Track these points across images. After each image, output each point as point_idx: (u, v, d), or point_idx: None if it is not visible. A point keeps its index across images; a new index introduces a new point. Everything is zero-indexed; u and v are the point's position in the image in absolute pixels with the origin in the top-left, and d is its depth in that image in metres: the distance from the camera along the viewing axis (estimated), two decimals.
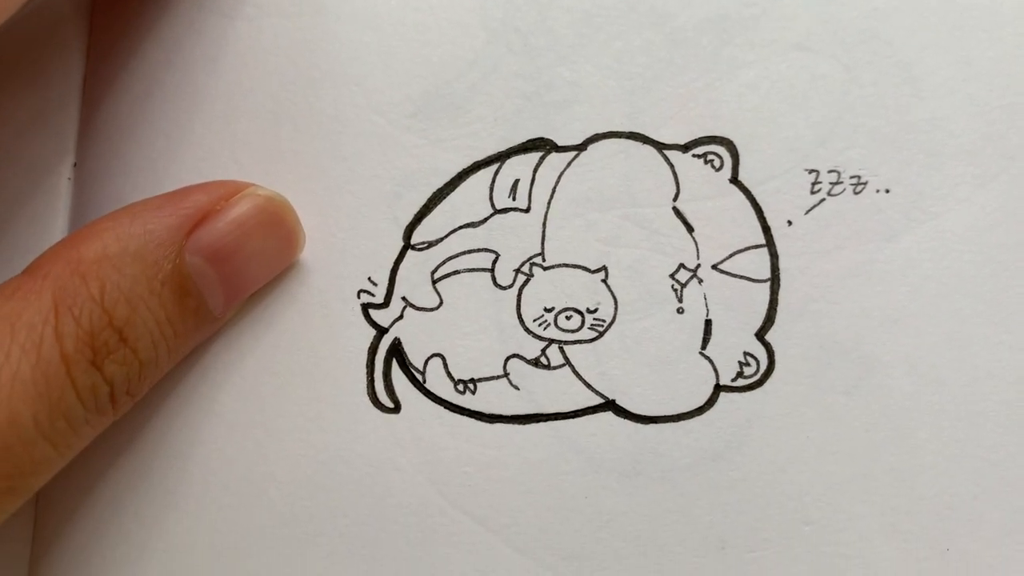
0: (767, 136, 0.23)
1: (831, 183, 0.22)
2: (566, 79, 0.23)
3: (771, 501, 0.22)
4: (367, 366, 0.23)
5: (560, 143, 0.23)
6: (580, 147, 0.23)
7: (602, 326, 0.22)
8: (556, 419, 0.22)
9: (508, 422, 0.22)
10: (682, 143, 0.23)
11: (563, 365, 0.22)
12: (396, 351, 0.23)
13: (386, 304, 0.23)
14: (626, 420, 0.22)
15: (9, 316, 0.19)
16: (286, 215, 0.22)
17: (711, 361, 0.22)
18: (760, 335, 0.22)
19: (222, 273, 0.21)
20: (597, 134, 0.23)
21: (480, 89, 0.23)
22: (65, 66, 0.25)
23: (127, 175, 0.24)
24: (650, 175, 0.23)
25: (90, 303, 0.20)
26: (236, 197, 0.22)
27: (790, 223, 0.22)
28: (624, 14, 0.23)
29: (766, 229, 0.22)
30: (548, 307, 0.22)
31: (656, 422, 0.22)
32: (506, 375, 0.22)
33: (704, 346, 0.22)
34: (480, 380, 0.22)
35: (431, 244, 0.23)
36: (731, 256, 0.22)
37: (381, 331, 0.23)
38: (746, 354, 0.22)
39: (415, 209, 0.23)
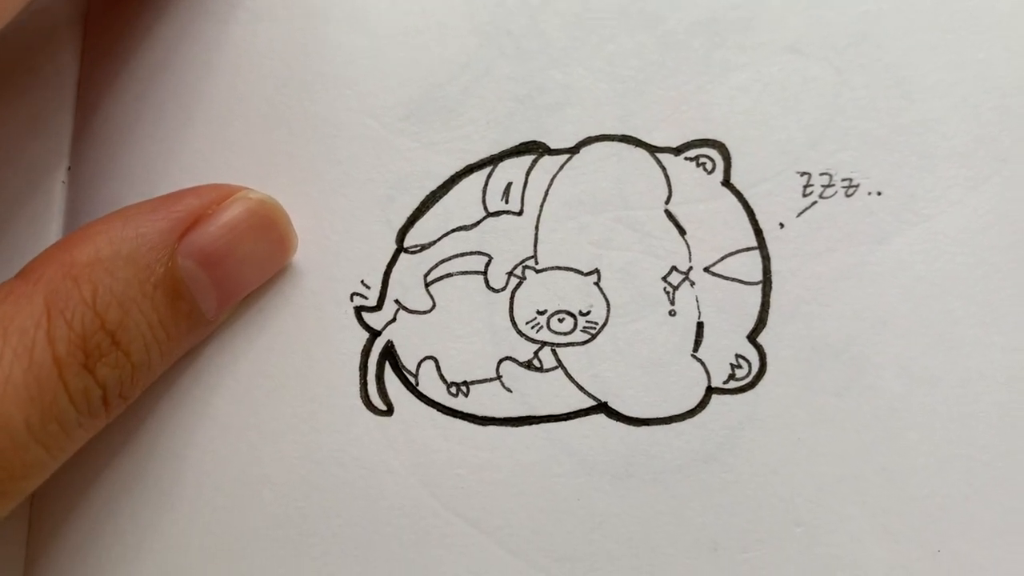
0: (759, 139, 0.23)
1: (823, 186, 0.22)
2: (558, 82, 0.23)
3: (763, 502, 0.22)
4: (360, 369, 0.23)
5: (552, 146, 0.23)
6: (572, 150, 0.23)
7: (594, 328, 0.22)
8: (549, 421, 0.22)
9: (501, 424, 0.22)
10: (674, 146, 0.23)
11: (556, 367, 0.22)
12: (389, 354, 0.23)
13: (379, 307, 0.23)
14: (618, 422, 0.22)
15: (1, 320, 0.19)
16: (278, 218, 0.22)
17: (703, 363, 0.22)
18: (752, 337, 0.22)
19: (214, 276, 0.21)
20: (589, 137, 0.23)
21: (472, 92, 0.23)
22: (59, 69, 0.25)
23: (121, 178, 0.24)
24: (642, 178, 0.23)
25: (82, 306, 0.20)
26: (228, 201, 0.22)
27: (782, 225, 0.22)
28: (616, 17, 0.23)
29: (758, 232, 0.22)
30: (541, 310, 0.23)
31: (648, 424, 0.22)
32: (499, 377, 0.22)
33: (696, 348, 0.22)
34: (473, 382, 0.22)
35: (424, 247, 0.23)
36: (723, 259, 0.22)
37: (374, 334, 0.23)
38: (738, 356, 0.22)
39: (408, 212, 0.23)
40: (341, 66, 0.23)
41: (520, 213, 0.23)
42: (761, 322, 0.22)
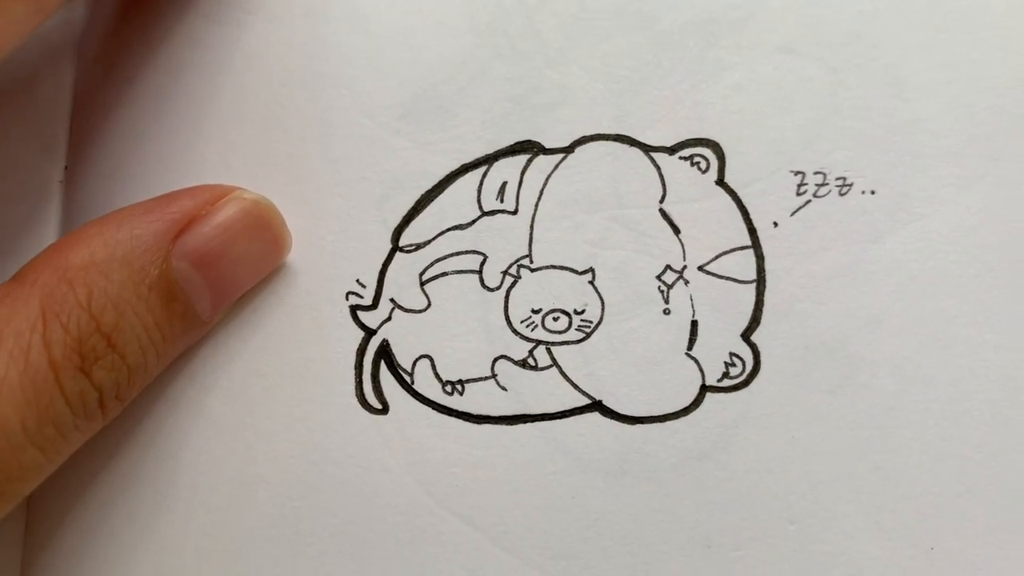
0: (753, 138, 0.23)
1: (817, 185, 0.23)
2: (553, 82, 0.23)
3: (757, 500, 0.22)
4: (355, 367, 0.23)
5: (547, 145, 0.23)
6: (567, 149, 0.23)
7: (589, 327, 0.22)
8: (543, 420, 0.22)
9: (496, 423, 0.22)
10: (668, 145, 0.23)
11: (550, 366, 0.23)
12: (384, 352, 0.23)
13: (374, 306, 0.23)
14: (613, 420, 0.22)
15: None
16: (272, 218, 0.22)
17: (697, 362, 0.22)
18: (746, 336, 0.22)
19: (209, 277, 0.21)
20: (584, 136, 0.23)
21: (468, 92, 0.23)
22: (56, 70, 0.25)
23: (118, 178, 0.24)
24: (637, 177, 0.23)
25: (78, 309, 0.20)
26: (222, 201, 0.22)
27: (776, 224, 0.23)
28: (611, 17, 0.23)
29: (752, 230, 0.23)
30: (535, 308, 0.23)
31: (642, 422, 0.22)
32: (494, 376, 0.23)
33: (690, 347, 0.22)
34: (468, 381, 0.23)
35: (419, 246, 0.23)
36: (717, 257, 0.23)
37: (369, 333, 0.23)
38: (732, 354, 0.22)
39: (403, 211, 0.23)
40: (338, 66, 0.23)
41: (515, 212, 0.23)
42: (755, 321, 0.22)
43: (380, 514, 0.22)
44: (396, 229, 0.23)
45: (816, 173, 0.23)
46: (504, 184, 0.23)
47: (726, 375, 0.22)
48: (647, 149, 0.23)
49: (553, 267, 0.23)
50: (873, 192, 0.22)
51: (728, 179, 0.23)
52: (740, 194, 0.23)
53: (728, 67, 0.23)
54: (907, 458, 0.22)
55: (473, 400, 0.22)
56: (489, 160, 0.23)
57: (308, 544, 0.22)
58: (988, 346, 0.22)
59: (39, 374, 0.19)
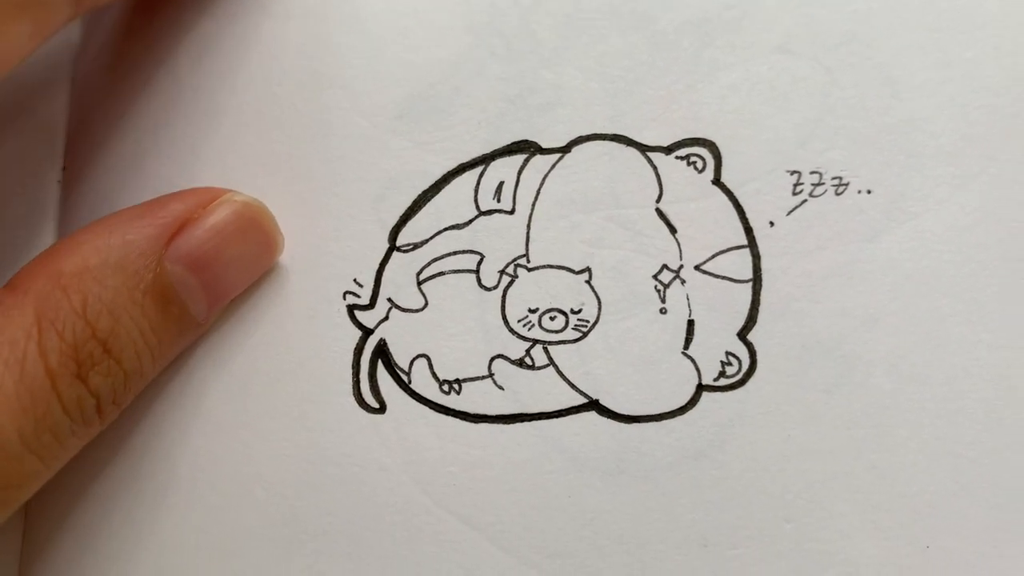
0: (749, 138, 0.23)
1: (813, 184, 0.23)
2: (549, 82, 0.23)
3: (753, 499, 0.22)
4: (353, 367, 0.23)
5: (544, 145, 0.23)
6: (564, 149, 0.23)
7: (586, 326, 0.23)
8: (540, 419, 0.22)
9: (493, 422, 0.22)
10: (665, 145, 0.23)
11: (547, 365, 0.23)
12: (381, 352, 0.23)
13: (371, 305, 0.23)
14: (609, 420, 0.22)
15: None
16: (264, 220, 0.23)
17: (693, 361, 0.22)
18: (742, 335, 0.22)
19: (203, 280, 0.22)
20: (581, 136, 0.23)
21: (464, 92, 0.23)
22: (54, 69, 0.25)
23: (115, 177, 0.24)
24: (633, 177, 0.23)
25: (73, 316, 0.20)
26: (213, 204, 0.22)
27: (772, 224, 0.23)
28: (606, 17, 0.23)
29: (748, 230, 0.23)
30: (532, 308, 0.23)
31: (639, 421, 0.22)
32: (491, 375, 0.23)
33: (687, 346, 0.22)
34: (465, 380, 0.23)
35: (416, 246, 0.23)
36: (713, 257, 0.23)
37: (367, 332, 0.23)
38: (728, 354, 0.22)
39: (400, 211, 0.23)
40: (335, 66, 0.24)
41: (512, 212, 0.23)
42: (751, 320, 0.22)
43: (377, 513, 0.22)
44: (393, 229, 0.23)
45: (812, 172, 0.23)
46: (501, 184, 0.23)
47: (722, 374, 0.22)
48: (643, 149, 0.23)
49: (550, 267, 0.23)
50: (869, 191, 0.22)
51: (724, 179, 0.23)
52: (736, 193, 0.23)
53: (724, 67, 0.23)
54: (903, 457, 0.22)
55: (470, 399, 0.23)
56: (486, 160, 0.23)
57: (305, 543, 0.22)
58: (983, 345, 0.22)
59: (36, 382, 0.19)
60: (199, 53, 0.24)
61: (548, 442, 0.22)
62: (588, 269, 0.23)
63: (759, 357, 0.22)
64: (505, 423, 0.22)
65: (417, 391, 0.23)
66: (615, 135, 0.23)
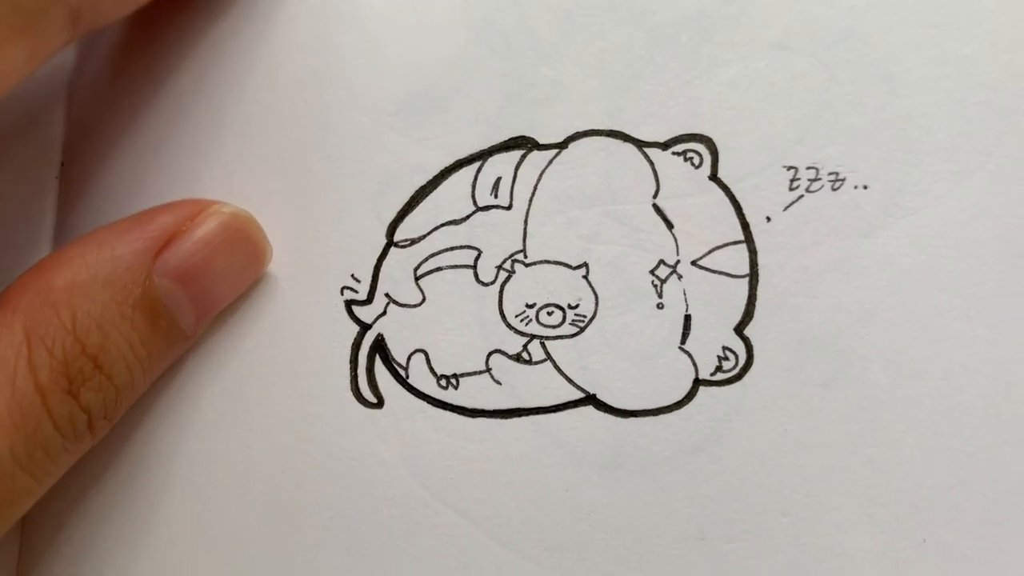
0: (746, 134, 0.23)
1: (809, 180, 0.23)
2: (547, 78, 0.23)
3: (749, 493, 0.22)
4: (351, 362, 0.23)
5: (542, 141, 0.23)
6: (561, 145, 0.23)
7: (583, 321, 0.23)
8: (537, 413, 0.22)
9: (490, 416, 0.22)
10: (662, 141, 0.23)
11: (544, 360, 0.23)
12: (379, 347, 0.23)
13: (369, 300, 0.23)
14: (607, 414, 0.22)
15: None
16: (252, 231, 0.23)
17: (690, 355, 0.22)
18: (739, 330, 0.22)
19: (191, 292, 0.22)
20: (578, 132, 0.23)
21: (462, 88, 0.23)
22: (52, 67, 0.25)
23: (113, 174, 0.24)
24: (630, 172, 0.23)
25: (62, 332, 0.20)
26: (201, 216, 0.22)
27: (769, 219, 0.23)
28: (605, 13, 0.23)
29: (745, 225, 0.23)
30: (530, 303, 0.23)
31: (636, 416, 0.22)
32: (488, 370, 0.23)
33: (683, 341, 0.22)
34: (462, 375, 0.23)
35: (414, 241, 0.23)
36: (710, 252, 0.23)
37: (364, 327, 0.23)
38: (725, 348, 0.22)
39: (398, 207, 0.23)
40: (334, 62, 0.24)
41: (509, 207, 0.23)
42: (748, 315, 0.22)
43: (375, 507, 0.22)
44: (391, 224, 0.23)
45: (809, 168, 0.23)
46: (498, 179, 0.23)
47: (719, 369, 0.22)
48: (641, 145, 0.23)
49: (547, 262, 0.23)
50: (865, 187, 0.23)
51: (721, 174, 0.23)
52: (733, 189, 0.23)
53: (721, 63, 0.23)
54: (899, 451, 0.22)
55: (468, 394, 0.23)
56: (483, 155, 0.23)
57: (304, 536, 0.22)
58: (979, 340, 0.22)
59: (26, 399, 0.19)
60: (197, 51, 0.24)
61: (545, 436, 0.22)
62: (585, 264, 0.23)
63: (756, 352, 0.22)
64: (503, 417, 0.22)
65: (415, 386, 0.23)
66: (612, 131, 0.23)
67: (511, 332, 0.23)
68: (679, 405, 0.22)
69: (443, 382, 0.23)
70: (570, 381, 0.22)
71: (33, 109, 0.25)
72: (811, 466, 0.22)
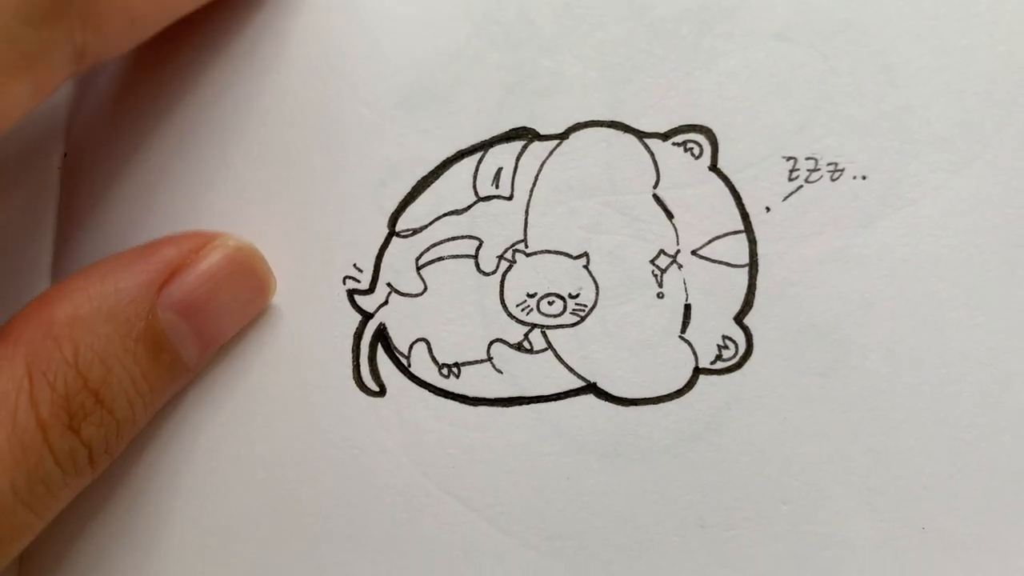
0: (746, 124, 0.23)
1: (809, 170, 0.23)
2: (548, 70, 0.23)
3: (749, 481, 0.22)
4: (353, 351, 0.23)
5: (542, 132, 0.23)
6: (562, 136, 0.23)
7: (584, 311, 0.23)
8: (538, 402, 0.23)
9: (491, 405, 0.23)
10: (662, 131, 0.23)
11: (545, 349, 0.23)
12: (381, 336, 0.23)
13: (371, 290, 0.23)
14: (607, 403, 0.22)
15: None
16: (256, 263, 0.23)
17: (690, 344, 0.22)
18: (739, 319, 0.22)
19: (195, 326, 0.21)
20: (579, 123, 0.23)
21: (463, 80, 0.23)
22: (48, 119, 0.25)
23: (116, 164, 0.24)
24: (631, 163, 0.23)
25: (64, 366, 0.20)
26: (206, 249, 0.22)
27: (768, 209, 0.23)
28: (604, 5, 0.23)
29: (744, 215, 0.23)
30: (531, 292, 0.23)
31: (637, 404, 0.22)
32: (489, 359, 0.23)
33: (684, 330, 0.23)
34: (464, 364, 0.23)
35: (415, 231, 0.23)
36: (710, 242, 0.23)
37: (366, 316, 0.23)
38: (725, 337, 0.22)
39: (400, 197, 0.23)
40: (334, 54, 0.24)
41: (510, 198, 0.23)
42: (748, 304, 0.22)
43: (377, 495, 0.22)
44: (393, 214, 0.23)
45: (808, 159, 0.23)
46: (499, 170, 0.23)
47: (719, 358, 0.22)
48: (641, 135, 0.23)
49: (548, 252, 0.23)
50: (864, 177, 0.23)
51: (721, 165, 0.23)
52: (733, 179, 0.23)
53: (721, 54, 0.23)
54: (899, 440, 0.22)
55: (469, 383, 0.23)
56: (484, 146, 0.23)
57: (306, 524, 0.23)
58: (979, 329, 0.22)
59: (27, 434, 0.19)
60: (199, 43, 0.24)
61: (546, 425, 0.22)
62: (586, 254, 0.23)
63: (755, 341, 0.22)
64: (504, 406, 0.23)
65: (417, 375, 0.23)
66: (612, 122, 0.23)
67: (512, 321, 0.23)
68: (679, 394, 0.22)
69: (445, 371, 0.23)
70: (571, 370, 0.23)
71: (31, 138, 0.25)
72: (811, 454, 0.22)
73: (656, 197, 0.23)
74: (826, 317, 0.22)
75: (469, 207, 0.23)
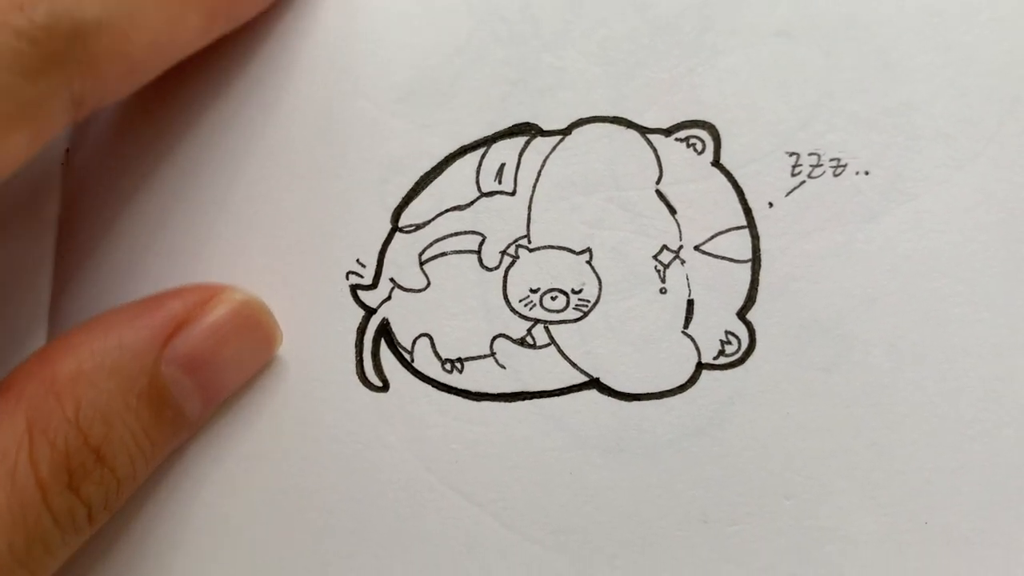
0: (748, 120, 0.23)
1: (811, 166, 0.23)
2: (551, 65, 0.23)
3: (752, 476, 0.22)
4: (356, 346, 0.23)
5: (545, 128, 0.23)
6: (565, 131, 0.23)
7: (587, 306, 0.23)
8: (541, 397, 0.23)
9: (494, 400, 0.23)
10: (665, 127, 0.23)
11: (548, 344, 0.23)
12: (384, 331, 0.23)
13: (374, 285, 0.23)
14: (610, 398, 0.22)
15: None
16: (262, 317, 0.22)
17: (693, 340, 0.22)
18: (741, 314, 0.22)
19: (199, 381, 0.21)
20: (581, 119, 0.23)
21: (466, 75, 0.23)
22: (45, 165, 0.25)
23: (118, 159, 0.25)
24: (633, 159, 0.23)
25: (65, 424, 0.19)
26: (212, 302, 0.22)
27: (771, 205, 0.23)
28: (607, 1, 0.23)
29: (747, 211, 0.23)
30: (534, 288, 0.23)
31: (639, 399, 0.22)
32: (492, 354, 0.23)
33: (686, 325, 0.23)
34: (467, 359, 0.23)
35: (419, 227, 0.23)
36: (713, 237, 0.23)
37: (370, 312, 0.23)
38: (728, 333, 0.22)
39: (403, 192, 0.23)
40: (337, 50, 0.24)
41: (513, 193, 0.23)
42: (750, 299, 0.23)
43: (381, 490, 0.23)
44: (396, 210, 0.23)
45: (811, 154, 0.23)
46: (502, 166, 0.23)
47: (722, 353, 0.22)
48: (644, 131, 0.23)
49: (551, 247, 0.23)
50: (867, 173, 0.23)
51: (724, 160, 0.23)
52: (736, 175, 0.23)
53: (724, 50, 0.23)
54: (901, 434, 0.22)
55: (472, 378, 0.23)
56: (488, 142, 0.23)
57: (310, 519, 0.23)
58: (981, 324, 0.22)
59: (26, 494, 0.19)
60: (201, 55, 0.24)
61: (549, 420, 0.22)
62: (589, 250, 0.23)
63: (758, 336, 0.22)
64: (507, 401, 0.23)
65: (420, 370, 0.23)
66: (615, 117, 0.23)
67: (515, 317, 0.23)
68: (682, 389, 0.22)
69: (448, 366, 0.23)
70: (574, 365, 0.23)
71: (29, 183, 0.25)
72: (813, 449, 0.22)
73: (659, 193, 0.23)
74: (829, 312, 0.22)
75: (472, 203, 0.23)
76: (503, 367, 0.23)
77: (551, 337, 0.23)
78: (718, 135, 0.23)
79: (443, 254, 0.23)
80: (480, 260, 0.23)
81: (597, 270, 0.23)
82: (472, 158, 0.23)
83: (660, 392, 0.22)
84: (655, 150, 0.23)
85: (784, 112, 0.23)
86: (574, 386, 0.23)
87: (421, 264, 0.23)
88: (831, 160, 0.23)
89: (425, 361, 0.23)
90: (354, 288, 0.23)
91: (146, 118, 0.24)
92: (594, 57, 0.23)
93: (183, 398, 0.21)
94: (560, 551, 0.22)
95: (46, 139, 0.20)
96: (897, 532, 0.22)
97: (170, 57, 0.22)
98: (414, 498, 0.22)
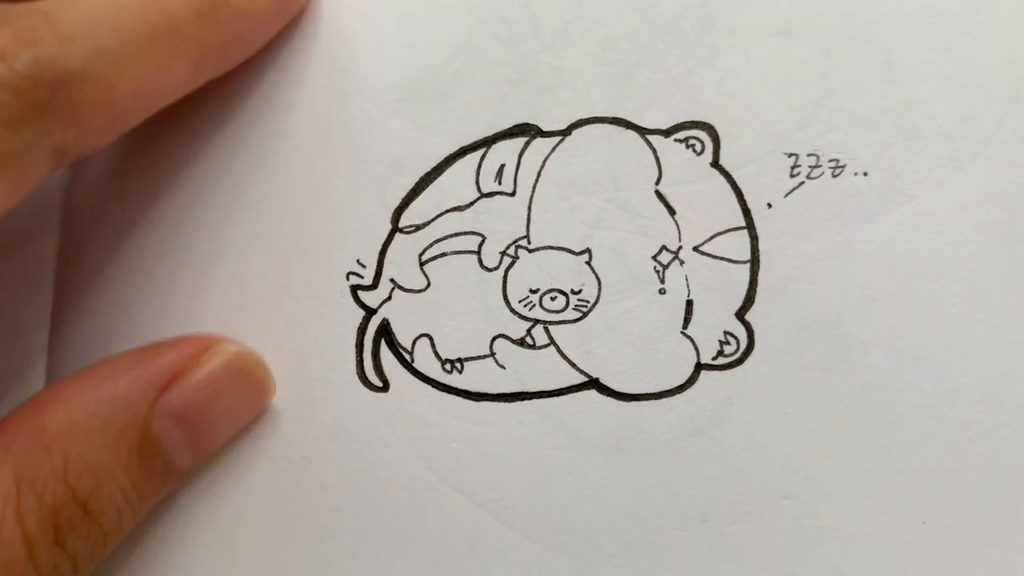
0: (747, 121, 0.23)
1: (810, 166, 0.23)
2: (550, 66, 0.23)
3: (751, 476, 0.22)
4: (356, 346, 0.23)
5: (545, 128, 0.23)
6: (564, 132, 0.23)
7: (586, 307, 0.23)
8: (541, 397, 0.23)
9: (494, 400, 0.23)
10: (664, 128, 0.23)
11: (548, 345, 0.23)
12: (385, 331, 0.23)
13: (375, 286, 0.23)
14: (609, 398, 0.23)
15: None
16: (255, 370, 0.22)
17: (692, 340, 0.23)
18: (740, 315, 0.23)
19: (191, 433, 0.21)
20: (581, 119, 0.23)
21: (466, 75, 0.24)
22: (40, 210, 0.25)
23: (119, 156, 0.25)
24: (633, 159, 0.23)
25: (53, 478, 0.19)
26: (207, 354, 0.21)
27: (770, 206, 0.23)
28: (607, 1, 0.23)
29: (746, 212, 0.23)
30: (533, 288, 0.23)
31: (639, 399, 0.22)
32: (492, 355, 0.23)
33: (685, 326, 0.23)
34: (467, 360, 0.23)
35: (419, 227, 0.23)
36: (712, 238, 0.23)
37: (370, 312, 0.23)
38: (726, 333, 0.22)
39: (403, 193, 0.23)
40: (337, 50, 0.24)
41: (513, 194, 0.23)
42: (749, 300, 0.23)
43: (381, 489, 0.23)
44: (396, 210, 0.23)
45: (810, 155, 0.23)
46: (502, 166, 0.23)
47: (721, 353, 0.22)
48: (643, 132, 0.23)
49: (550, 248, 0.23)
50: (866, 174, 0.23)
51: (723, 161, 0.23)
52: (735, 176, 0.23)
53: (723, 51, 0.23)
54: (900, 435, 0.22)
55: (472, 378, 0.23)
56: (487, 142, 0.23)
57: (310, 519, 0.23)
58: (979, 325, 0.22)
59: (12, 548, 0.19)
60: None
61: (549, 420, 0.23)
62: (588, 250, 0.23)
63: (757, 336, 0.22)
64: (507, 401, 0.23)
65: (420, 370, 0.23)
66: (615, 118, 0.23)
67: (515, 317, 0.23)
68: (681, 389, 0.22)
69: (448, 366, 0.23)
70: (573, 365, 0.23)
71: (25, 225, 0.25)
72: (812, 449, 0.22)
73: (658, 193, 0.23)
74: (827, 313, 0.22)
75: (472, 203, 0.23)
76: (503, 367, 0.23)
77: (551, 337, 0.23)
78: (717, 136, 0.23)
79: (443, 254, 0.23)
80: (480, 260, 0.23)
81: (596, 270, 0.23)
82: (472, 159, 0.23)
83: (659, 392, 0.22)
84: (654, 151, 0.23)
85: (783, 112, 0.23)
86: (574, 386, 0.23)
87: (421, 264, 0.23)
88: (830, 161, 0.23)
89: (425, 361, 0.23)
90: (354, 288, 0.23)
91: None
92: (594, 57, 0.23)
93: (174, 450, 0.21)
94: (560, 550, 0.22)
95: (28, 189, 0.20)
96: (896, 532, 0.22)
97: (155, 105, 0.21)
98: (415, 497, 0.23)
